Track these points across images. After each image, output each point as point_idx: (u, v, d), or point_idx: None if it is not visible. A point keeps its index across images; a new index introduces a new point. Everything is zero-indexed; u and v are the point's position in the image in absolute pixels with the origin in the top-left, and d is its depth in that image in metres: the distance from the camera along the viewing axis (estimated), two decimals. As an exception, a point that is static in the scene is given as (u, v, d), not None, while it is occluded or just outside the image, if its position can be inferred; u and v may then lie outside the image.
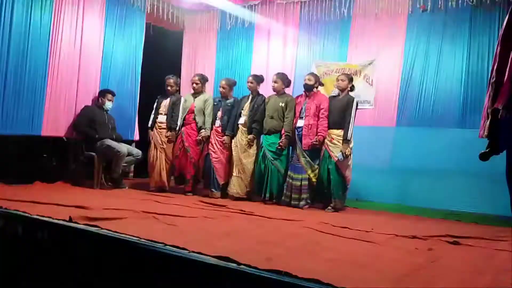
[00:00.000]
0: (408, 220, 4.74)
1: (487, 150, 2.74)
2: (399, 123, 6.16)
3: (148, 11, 7.12)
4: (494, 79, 2.77)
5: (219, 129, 5.79)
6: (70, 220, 3.42)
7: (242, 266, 2.52)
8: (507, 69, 2.59)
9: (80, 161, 6.27)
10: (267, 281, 2.37)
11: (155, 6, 7.25)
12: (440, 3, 5.90)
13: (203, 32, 7.87)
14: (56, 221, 3.45)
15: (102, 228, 3.26)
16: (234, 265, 2.55)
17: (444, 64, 5.93)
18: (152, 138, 6.12)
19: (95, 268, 3.10)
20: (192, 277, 2.65)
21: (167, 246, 2.86)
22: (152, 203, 4.89)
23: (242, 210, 4.67)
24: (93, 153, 5.90)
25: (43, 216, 3.54)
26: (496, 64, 2.77)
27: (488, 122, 2.74)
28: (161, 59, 7.43)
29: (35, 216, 3.56)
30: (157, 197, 5.36)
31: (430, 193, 5.73)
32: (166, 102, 6.10)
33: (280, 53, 7.08)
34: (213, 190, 5.71)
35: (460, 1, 5.74)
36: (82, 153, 6.10)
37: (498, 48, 2.78)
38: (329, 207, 5.18)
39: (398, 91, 6.19)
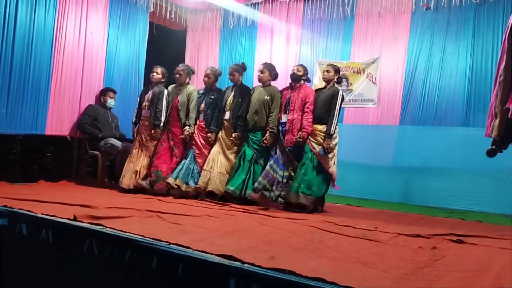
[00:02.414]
0: (411, 219, 4.73)
1: (493, 147, 2.68)
2: (402, 121, 6.16)
3: (151, 10, 7.15)
4: (502, 77, 2.72)
5: (203, 124, 5.48)
6: (75, 219, 3.43)
7: (246, 265, 2.52)
8: None
9: (84, 160, 6.30)
10: (270, 280, 2.38)
11: (158, 5, 7.27)
12: (443, 1, 5.89)
13: (206, 31, 7.88)
14: (60, 219, 3.47)
15: (106, 227, 3.27)
16: (238, 263, 2.55)
17: (447, 63, 5.92)
18: (136, 134, 5.77)
19: (100, 267, 3.11)
20: (196, 275, 2.66)
21: (171, 245, 2.87)
22: (156, 202, 4.91)
23: (245, 209, 4.67)
24: (97, 152, 5.91)
25: (47, 215, 3.56)
26: (503, 63, 2.72)
27: (497, 121, 2.68)
28: (164, 58, 7.43)
29: (39, 215, 3.58)
30: (159, 196, 5.36)
31: (434, 192, 5.72)
32: (148, 96, 5.69)
33: (283, 52, 7.09)
34: (189, 183, 5.36)
35: (463, -1, 5.75)
36: (85, 152, 6.12)
37: (506, 46, 2.73)
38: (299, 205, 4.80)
39: (401, 89, 6.18)
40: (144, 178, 5.55)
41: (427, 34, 6.05)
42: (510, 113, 2.61)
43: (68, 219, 3.45)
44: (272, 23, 7.19)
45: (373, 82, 6.39)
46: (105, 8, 6.40)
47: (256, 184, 4.99)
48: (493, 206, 5.27)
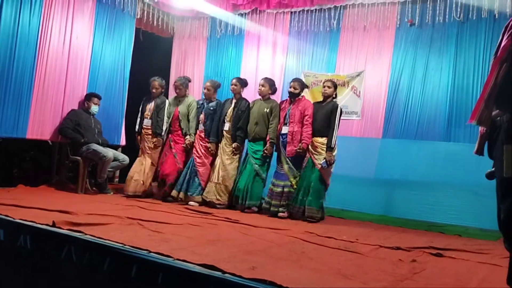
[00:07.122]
0: (392, 231, 4.76)
1: (493, 169, 2.54)
2: (385, 134, 6.22)
3: (138, 17, 7.12)
4: None
5: (202, 134, 5.76)
6: (54, 225, 3.38)
7: (226, 275, 2.51)
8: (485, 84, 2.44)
9: (65, 165, 6.21)
10: (251, 290, 2.37)
11: (145, 12, 7.25)
12: (427, 17, 5.99)
13: (192, 39, 7.88)
14: (39, 225, 3.41)
15: (86, 234, 3.23)
16: (218, 273, 2.54)
17: (430, 78, 6.01)
18: (139, 143, 6.10)
19: (78, 274, 3.06)
20: (176, 285, 2.63)
21: (152, 253, 2.84)
22: (137, 209, 4.86)
23: (227, 218, 4.66)
24: (78, 158, 5.84)
25: (25, 220, 3.50)
26: None
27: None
28: (150, 65, 7.42)
29: (17, 220, 3.51)
30: (142, 203, 5.31)
31: (414, 205, 5.76)
32: (151, 106, 6.05)
33: (269, 62, 7.12)
34: (193, 195, 5.57)
35: (447, 16, 5.85)
36: (67, 157, 6.04)
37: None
38: (307, 217, 5.03)
39: (384, 103, 6.25)
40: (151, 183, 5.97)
41: (411, 49, 6.14)
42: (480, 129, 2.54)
43: (47, 225, 3.40)
44: (259, 33, 7.23)
45: (357, 95, 6.46)
46: (91, 12, 6.35)
47: (264, 204, 5.30)
48: (473, 221, 5.32)
